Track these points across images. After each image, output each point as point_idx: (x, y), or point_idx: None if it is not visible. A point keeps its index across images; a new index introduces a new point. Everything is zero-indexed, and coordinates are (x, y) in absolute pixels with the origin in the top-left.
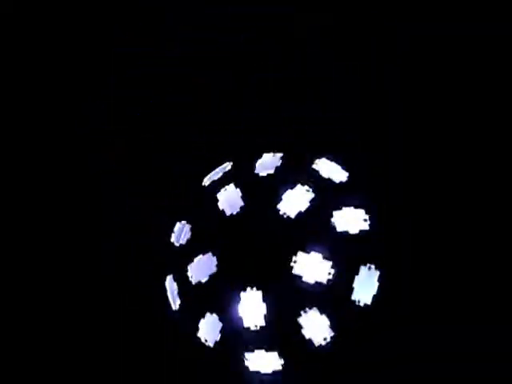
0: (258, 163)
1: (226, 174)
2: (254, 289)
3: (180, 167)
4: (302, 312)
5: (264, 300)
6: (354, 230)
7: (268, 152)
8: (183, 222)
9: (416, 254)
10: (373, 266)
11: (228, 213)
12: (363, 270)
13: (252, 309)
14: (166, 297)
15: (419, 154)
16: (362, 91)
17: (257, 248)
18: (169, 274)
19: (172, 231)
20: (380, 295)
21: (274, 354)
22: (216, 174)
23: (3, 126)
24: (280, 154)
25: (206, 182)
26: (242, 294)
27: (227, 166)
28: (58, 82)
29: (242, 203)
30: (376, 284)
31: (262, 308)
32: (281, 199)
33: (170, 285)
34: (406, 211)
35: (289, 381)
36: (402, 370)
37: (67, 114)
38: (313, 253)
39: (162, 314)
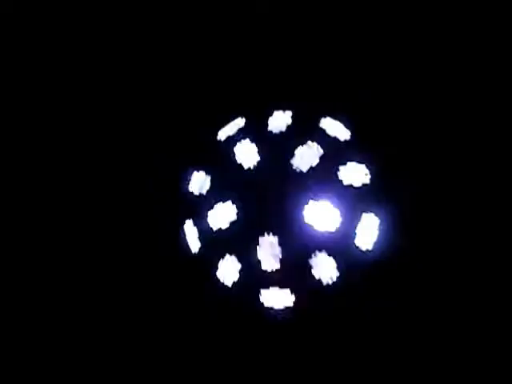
0: (270, 120)
1: (240, 129)
2: (271, 234)
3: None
4: (312, 255)
5: (280, 244)
6: (357, 183)
7: (278, 110)
8: (202, 172)
9: (412, 205)
10: (373, 214)
11: (246, 166)
12: (365, 217)
13: (269, 252)
14: (186, 240)
15: (418, 115)
16: (369, 55)
17: (273, 198)
18: (188, 219)
19: (191, 181)
20: (379, 241)
21: (287, 291)
22: (230, 130)
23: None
24: (290, 113)
25: (222, 136)
26: (261, 238)
27: (240, 122)
28: (58, 82)
29: (258, 158)
30: (376, 231)
31: (278, 251)
32: (293, 155)
33: (190, 228)
34: (404, 167)
35: (299, 315)
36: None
37: (67, 113)
38: (322, 202)
39: (182, 256)
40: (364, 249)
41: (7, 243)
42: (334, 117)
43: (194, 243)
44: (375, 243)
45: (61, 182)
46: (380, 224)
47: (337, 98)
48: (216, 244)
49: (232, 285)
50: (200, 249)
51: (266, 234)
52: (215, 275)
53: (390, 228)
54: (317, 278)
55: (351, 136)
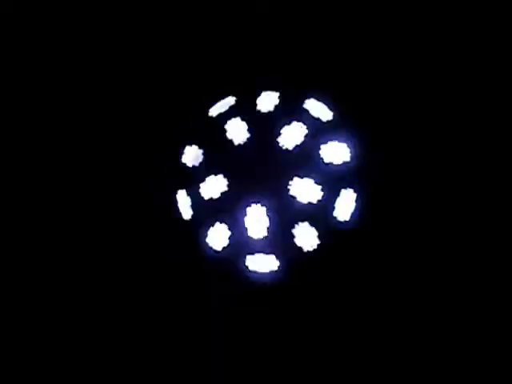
0: (259, 100)
1: (231, 107)
2: (259, 205)
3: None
4: (295, 225)
5: (266, 214)
6: (337, 161)
7: (267, 91)
8: (195, 146)
9: (387, 180)
10: (351, 190)
11: (236, 142)
12: (343, 192)
13: (256, 221)
14: (178, 208)
15: (397, 99)
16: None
17: (261, 173)
18: (182, 189)
19: (185, 154)
20: (356, 212)
21: (272, 257)
22: (222, 107)
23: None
24: (277, 94)
25: (214, 112)
26: (248, 208)
27: (231, 100)
28: (58, 82)
29: (248, 135)
30: (353, 204)
31: (265, 221)
32: (280, 133)
33: (183, 198)
34: (381, 146)
35: (282, 279)
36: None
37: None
38: (306, 178)
39: (176, 222)
40: (342, 219)
41: (7, 243)
42: (318, 98)
43: (186, 211)
44: (352, 214)
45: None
46: (356, 198)
47: (321, 81)
48: (207, 212)
49: (222, 249)
50: (192, 216)
51: (253, 204)
52: (206, 240)
53: (365, 201)
54: (299, 245)
55: (333, 117)
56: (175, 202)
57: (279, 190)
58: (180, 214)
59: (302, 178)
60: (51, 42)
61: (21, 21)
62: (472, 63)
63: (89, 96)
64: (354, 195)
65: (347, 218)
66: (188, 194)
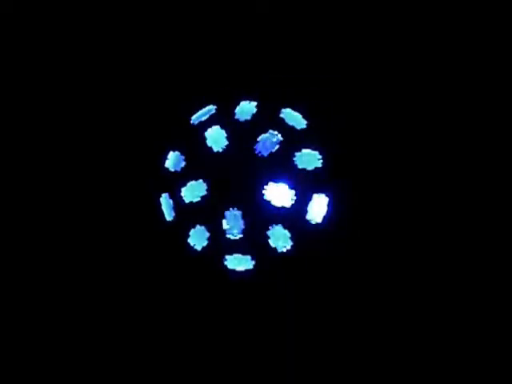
0: (237, 109)
1: (211, 116)
2: (236, 208)
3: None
4: (270, 227)
5: (243, 217)
6: (310, 167)
7: (245, 100)
8: (177, 152)
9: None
10: (323, 195)
11: (215, 149)
12: (316, 197)
13: (233, 223)
14: (162, 210)
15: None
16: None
17: (238, 178)
18: (165, 192)
19: (168, 159)
20: (328, 216)
21: (248, 257)
22: (203, 115)
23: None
24: (255, 103)
25: (195, 121)
26: (226, 212)
27: (212, 108)
28: (58, 82)
29: (226, 142)
30: (325, 207)
31: (241, 223)
32: (256, 141)
33: (166, 201)
34: (352, 155)
35: (258, 277)
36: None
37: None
38: (280, 183)
39: (159, 223)
40: (314, 222)
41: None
42: (293, 108)
43: (168, 213)
44: (324, 218)
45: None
46: (328, 202)
47: (296, 91)
48: (188, 215)
49: (201, 249)
50: (174, 218)
51: (231, 208)
52: (187, 241)
53: (337, 205)
54: (273, 246)
55: (307, 125)
56: (159, 204)
57: (255, 195)
58: (163, 215)
59: (276, 183)
60: (52, 43)
61: (21, 21)
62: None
63: (80, 99)
64: (326, 199)
65: (319, 221)
66: (171, 197)
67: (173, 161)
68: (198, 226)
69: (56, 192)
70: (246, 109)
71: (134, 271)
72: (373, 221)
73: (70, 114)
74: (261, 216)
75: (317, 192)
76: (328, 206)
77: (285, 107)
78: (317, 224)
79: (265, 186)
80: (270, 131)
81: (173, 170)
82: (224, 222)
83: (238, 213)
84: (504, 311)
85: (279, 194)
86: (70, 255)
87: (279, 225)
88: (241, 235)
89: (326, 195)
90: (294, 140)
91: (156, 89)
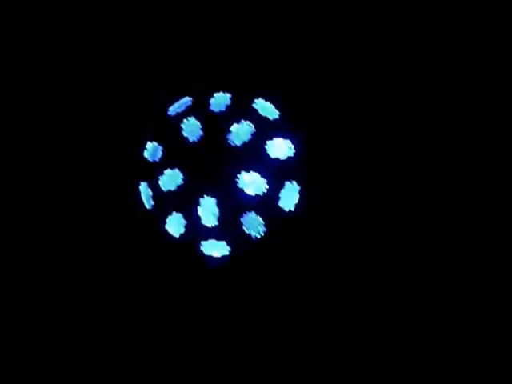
0: (212, 101)
1: (187, 107)
2: (210, 196)
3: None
4: (243, 213)
5: (217, 205)
6: (283, 157)
7: (219, 92)
8: (155, 142)
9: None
10: (295, 182)
11: (190, 140)
12: (288, 184)
13: (208, 211)
14: (141, 198)
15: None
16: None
17: (213, 168)
18: (143, 181)
19: (146, 149)
20: (299, 203)
21: (223, 243)
22: (180, 107)
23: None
24: (229, 94)
25: (172, 112)
26: (201, 199)
27: (188, 100)
28: (58, 82)
29: (201, 133)
30: (297, 195)
31: (216, 210)
32: (230, 131)
33: (145, 189)
34: (323, 144)
35: (234, 263)
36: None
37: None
38: (252, 172)
39: (138, 211)
40: (287, 210)
41: None
42: (266, 99)
43: (147, 202)
44: (296, 205)
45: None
46: (300, 190)
47: (270, 82)
48: (166, 203)
49: (179, 236)
50: (152, 206)
51: (205, 196)
52: (165, 228)
53: (308, 193)
54: (247, 232)
55: (280, 116)
56: (138, 193)
57: (228, 183)
58: (142, 204)
59: (249, 172)
60: (52, 43)
61: (21, 21)
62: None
63: (60, 90)
64: (298, 187)
65: (292, 208)
66: (149, 186)
67: (151, 151)
68: (174, 214)
69: (34, 181)
70: (220, 100)
71: (115, 259)
72: (345, 208)
73: (51, 104)
74: (234, 203)
75: (289, 180)
76: (300, 194)
77: (258, 98)
78: (289, 211)
79: (238, 175)
80: (243, 121)
81: (151, 159)
82: (199, 209)
83: (213, 200)
84: (503, 310)
85: (252, 183)
86: (48, 244)
87: (252, 212)
88: (216, 222)
89: (298, 183)
90: (266, 130)
91: (134, 81)
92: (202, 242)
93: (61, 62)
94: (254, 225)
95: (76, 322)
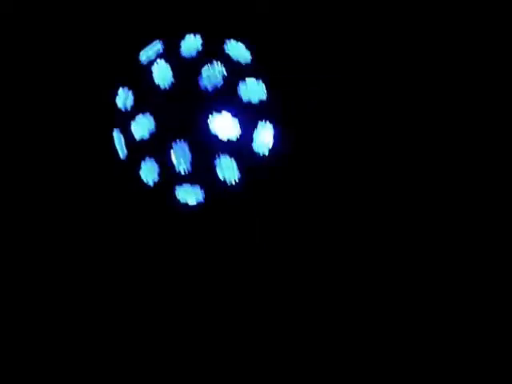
0: (183, 45)
1: (158, 53)
2: (182, 140)
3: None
4: (217, 157)
5: (189, 149)
6: (255, 100)
7: (190, 34)
8: (126, 88)
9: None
10: (269, 126)
11: (162, 86)
12: (261, 125)
13: (181, 156)
14: (114, 145)
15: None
16: None
17: (184, 112)
18: (116, 128)
19: (118, 95)
20: (273, 147)
21: (197, 187)
22: (150, 52)
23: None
24: (199, 37)
25: (143, 57)
26: (174, 145)
27: (158, 45)
28: (58, 82)
29: (172, 78)
30: (271, 139)
31: (189, 156)
32: (201, 76)
33: (118, 136)
34: (297, 87)
35: (209, 211)
36: None
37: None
38: (225, 114)
39: (113, 159)
40: (261, 153)
41: None
42: (238, 41)
43: (121, 149)
44: (270, 149)
45: None
46: (274, 134)
47: (241, 25)
48: (139, 151)
49: (153, 184)
50: (126, 154)
51: (178, 141)
52: (140, 175)
53: (282, 137)
54: (221, 177)
55: (252, 59)
56: (111, 141)
57: (201, 128)
58: (116, 152)
59: (221, 114)
60: (52, 43)
61: (21, 21)
62: None
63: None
64: (272, 131)
65: (266, 152)
66: (121, 133)
67: (122, 98)
68: (148, 162)
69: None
70: (191, 45)
71: (90, 209)
72: (318, 153)
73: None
74: (207, 148)
75: (262, 123)
76: (274, 137)
77: (229, 40)
78: (263, 155)
79: (210, 119)
80: (214, 65)
81: (122, 106)
82: (172, 155)
83: (185, 145)
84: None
85: (225, 126)
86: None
87: (226, 156)
88: (189, 168)
89: (272, 127)
90: (238, 73)
91: (104, 28)
92: (177, 189)
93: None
94: (228, 169)
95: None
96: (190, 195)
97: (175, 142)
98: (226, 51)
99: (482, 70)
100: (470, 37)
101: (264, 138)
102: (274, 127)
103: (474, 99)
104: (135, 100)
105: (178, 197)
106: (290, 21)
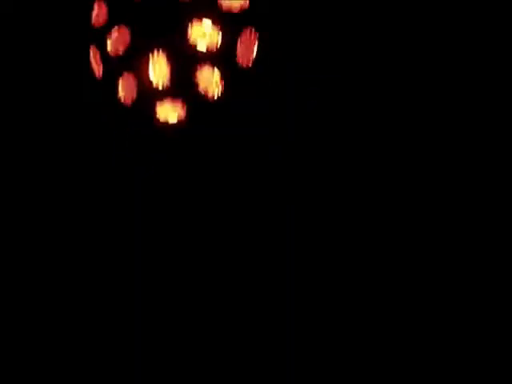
0: None
1: None
2: (160, 51)
3: None
4: (197, 70)
5: (168, 61)
6: (236, 9)
7: None
8: (101, 2)
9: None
10: (250, 33)
11: None
12: (243, 35)
13: (159, 69)
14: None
15: None
16: None
17: (162, 23)
18: (91, 44)
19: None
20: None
21: (179, 103)
22: None
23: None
24: None
25: None
26: (151, 56)
27: None
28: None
29: None
30: (255, 49)
31: (167, 69)
32: None
33: (94, 53)
34: None
35: (191, 127)
36: None
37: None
38: (205, 22)
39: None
40: (244, 65)
41: None
42: None
43: (97, 67)
44: (253, 61)
45: None
46: (258, 45)
47: None
48: (115, 65)
49: (131, 102)
50: (103, 71)
51: (155, 52)
52: (117, 94)
53: (266, 48)
54: (203, 91)
55: None
56: (87, 57)
57: (179, 38)
58: (92, 68)
59: (200, 23)
60: (52, 43)
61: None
62: None
63: None
64: (256, 41)
65: (249, 64)
66: (97, 49)
67: (97, 12)
68: (125, 75)
69: None
70: None
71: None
72: (319, 153)
73: None
74: (187, 59)
75: (243, 29)
76: (257, 48)
77: None
78: (247, 66)
79: (189, 28)
80: None
81: (97, 22)
82: (150, 69)
83: (164, 58)
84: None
85: (204, 35)
86: None
87: (207, 67)
88: (168, 83)
89: (255, 36)
90: None
91: None
92: (157, 107)
93: None
94: (209, 82)
95: None
96: (170, 112)
97: (152, 53)
98: None
99: (482, 70)
100: (470, 37)
101: (246, 46)
102: (258, 36)
103: (474, 99)
104: (110, 13)
105: (158, 115)
106: (289, 21)
